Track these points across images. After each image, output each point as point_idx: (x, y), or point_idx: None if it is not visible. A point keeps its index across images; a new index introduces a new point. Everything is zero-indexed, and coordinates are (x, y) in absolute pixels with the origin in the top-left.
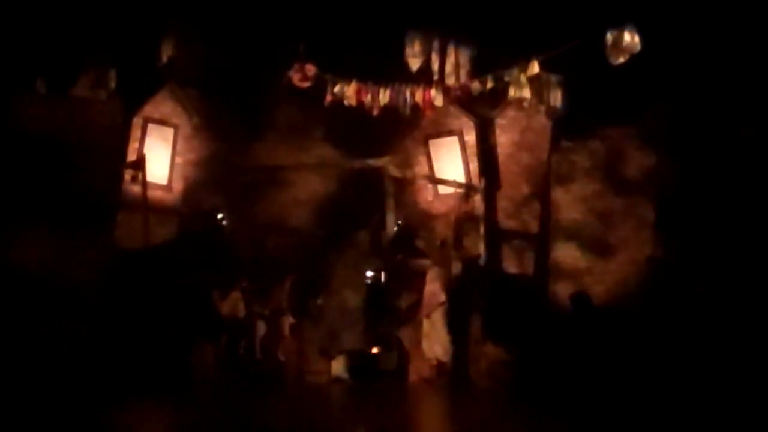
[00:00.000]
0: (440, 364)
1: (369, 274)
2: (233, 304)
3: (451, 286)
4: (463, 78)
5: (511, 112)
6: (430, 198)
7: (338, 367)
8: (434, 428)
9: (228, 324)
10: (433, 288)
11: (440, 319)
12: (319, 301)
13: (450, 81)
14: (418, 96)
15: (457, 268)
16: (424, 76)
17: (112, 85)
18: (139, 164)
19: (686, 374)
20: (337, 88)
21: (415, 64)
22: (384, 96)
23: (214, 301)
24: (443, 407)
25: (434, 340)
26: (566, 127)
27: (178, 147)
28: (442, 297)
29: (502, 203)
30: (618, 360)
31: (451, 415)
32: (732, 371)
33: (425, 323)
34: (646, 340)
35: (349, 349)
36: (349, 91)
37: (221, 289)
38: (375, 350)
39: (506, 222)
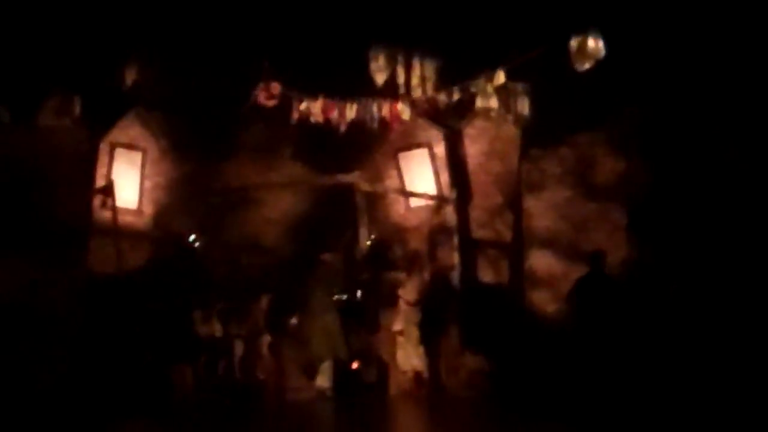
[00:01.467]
0: (418, 376)
1: (344, 289)
2: (210, 324)
3: (426, 298)
4: (430, 90)
5: (479, 123)
6: (402, 211)
7: (322, 381)
8: None
9: (206, 345)
10: (409, 301)
11: (415, 331)
12: (293, 321)
13: (416, 94)
14: (386, 110)
15: (423, 279)
16: (390, 90)
17: (77, 111)
18: (108, 190)
19: (666, 375)
20: (303, 106)
21: (380, 78)
22: (351, 111)
23: (194, 322)
24: (424, 418)
25: (410, 353)
26: (535, 135)
27: (147, 170)
28: (418, 310)
29: (475, 213)
30: (597, 364)
31: (432, 426)
32: (711, 369)
33: (400, 337)
34: (625, 343)
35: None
36: (315, 108)
37: (202, 310)
38: (355, 365)
39: (479, 232)
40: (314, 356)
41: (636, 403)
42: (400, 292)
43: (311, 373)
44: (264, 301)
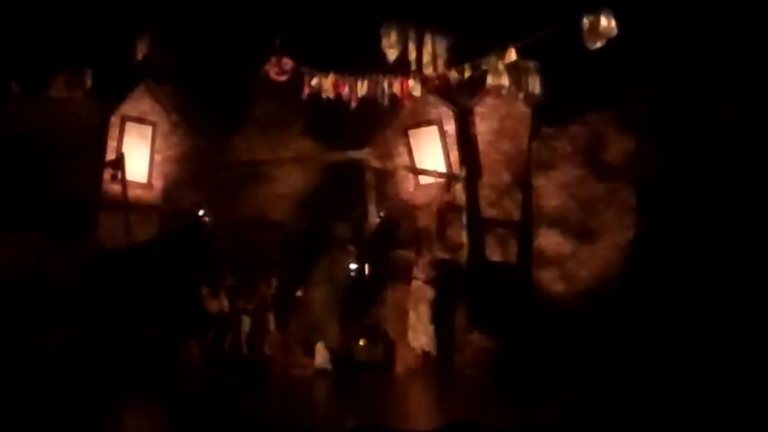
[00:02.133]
0: (426, 355)
1: (352, 266)
2: (219, 300)
3: (436, 277)
4: (441, 67)
5: (490, 101)
6: (411, 188)
7: (321, 359)
8: (421, 417)
9: (214, 320)
10: (419, 279)
11: (425, 309)
12: (299, 293)
13: (428, 71)
14: (396, 87)
15: (437, 258)
16: (401, 67)
17: (89, 84)
18: (118, 163)
19: (673, 355)
20: (314, 81)
21: (392, 54)
22: (362, 88)
23: (202, 298)
24: (430, 397)
25: (420, 331)
26: (546, 114)
27: (157, 144)
28: (428, 288)
29: (484, 192)
30: (604, 344)
31: (438, 404)
32: (718, 349)
33: (411, 314)
34: (632, 323)
35: (332, 341)
36: (326, 84)
37: (210, 286)
38: (361, 342)
39: (488, 210)
40: (310, 324)
41: (640, 381)
42: (415, 270)
43: (306, 347)
44: (274, 281)
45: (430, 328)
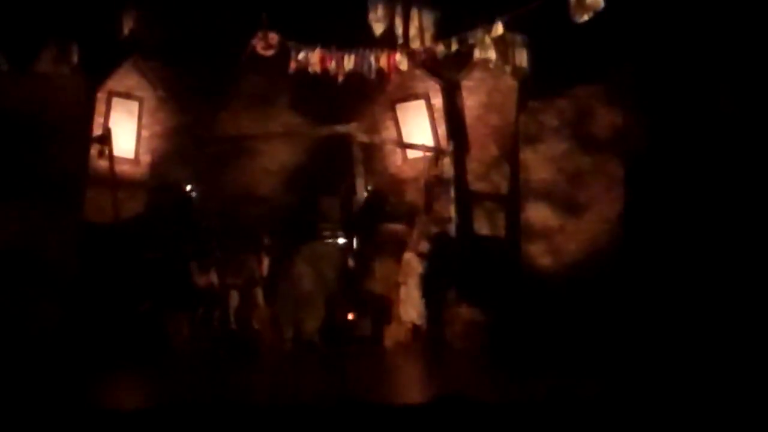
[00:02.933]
0: (415, 328)
1: (340, 241)
2: (207, 275)
3: (425, 250)
4: (428, 41)
5: (477, 74)
6: (399, 163)
7: (310, 333)
8: (410, 391)
9: (202, 295)
10: (408, 254)
11: (415, 283)
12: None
13: (415, 45)
14: (383, 61)
15: (429, 231)
16: (388, 41)
17: (75, 59)
18: (105, 139)
19: (662, 327)
20: (301, 56)
21: (379, 28)
22: (349, 62)
23: (191, 272)
24: (419, 370)
25: (409, 305)
26: (533, 88)
27: (144, 120)
28: (418, 262)
29: (472, 165)
30: (592, 317)
31: (427, 377)
32: (707, 321)
33: (401, 289)
34: (620, 296)
35: (320, 316)
36: (313, 58)
37: (198, 261)
38: (350, 316)
39: (476, 184)
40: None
41: (632, 355)
42: (410, 243)
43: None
44: (265, 258)
45: (420, 302)
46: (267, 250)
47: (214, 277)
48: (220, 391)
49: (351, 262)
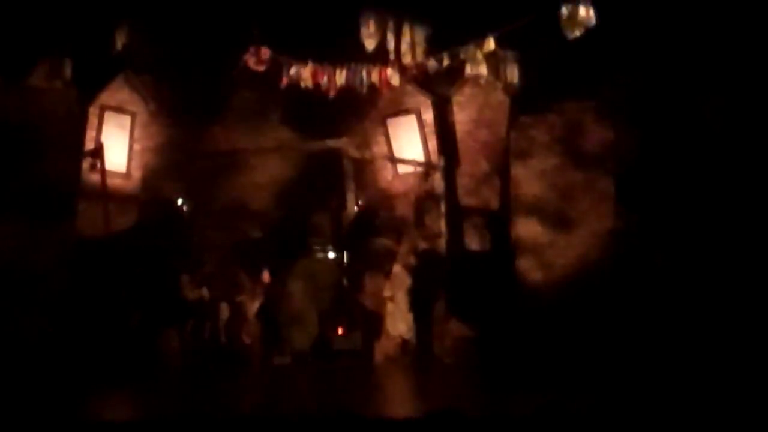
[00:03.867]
0: (405, 343)
1: (331, 255)
2: (198, 288)
3: (415, 265)
4: (420, 56)
5: (468, 90)
6: (389, 178)
7: (300, 348)
8: (401, 405)
9: (193, 309)
10: (397, 268)
11: (403, 297)
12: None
13: (406, 60)
14: (375, 76)
15: (419, 247)
16: (380, 56)
17: (68, 74)
18: (97, 152)
19: (653, 343)
20: (293, 71)
21: (370, 44)
22: (340, 77)
23: (182, 286)
24: (409, 385)
25: (398, 319)
26: (524, 103)
27: (136, 134)
28: (407, 276)
29: (462, 181)
30: (582, 332)
31: (417, 392)
32: (698, 337)
33: (389, 303)
34: (611, 311)
35: (310, 331)
36: (305, 73)
37: (189, 274)
38: (339, 331)
39: (467, 199)
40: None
41: (622, 371)
42: (399, 258)
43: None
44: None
45: (409, 317)
46: (259, 265)
47: (204, 291)
48: (208, 404)
49: (342, 278)
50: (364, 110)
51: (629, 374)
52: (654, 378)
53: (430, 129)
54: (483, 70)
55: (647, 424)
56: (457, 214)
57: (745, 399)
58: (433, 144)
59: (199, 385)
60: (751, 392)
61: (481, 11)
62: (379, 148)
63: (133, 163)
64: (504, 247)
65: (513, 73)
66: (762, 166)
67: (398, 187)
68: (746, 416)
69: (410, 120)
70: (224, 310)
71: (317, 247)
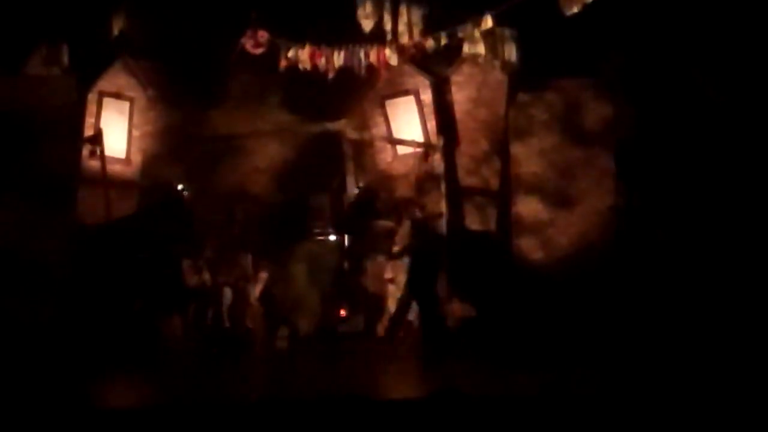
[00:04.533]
0: (407, 324)
1: (332, 238)
2: (200, 273)
3: (416, 246)
4: (417, 36)
5: (466, 69)
6: (389, 159)
7: (303, 331)
8: (405, 386)
9: (195, 294)
10: (398, 249)
11: (404, 279)
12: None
13: (404, 40)
14: (373, 56)
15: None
16: (377, 37)
17: (65, 60)
18: (97, 139)
19: (655, 321)
20: (291, 53)
21: (367, 24)
22: (338, 58)
23: (183, 271)
24: (412, 366)
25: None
26: (522, 81)
27: (135, 120)
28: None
29: (462, 160)
30: (584, 311)
31: (421, 373)
32: (699, 314)
33: (390, 285)
34: (612, 289)
35: (313, 313)
36: (303, 56)
37: (191, 259)
38: (342, 313)
39: (467, 179)
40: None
41: (625, 349)
42: (398, 239)
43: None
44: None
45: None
46: (259, 249)
47: (206, 276)
48: (213, 389)
49: (343, 261)
50: (362, 92)
51: (631, 352)
52: (656, 356)
53: (428, 109)
54: (481, 49)
55: (649, 403)
56: (457, 194)
57: (747, 379)
58: (432, 124)
59: (203, 371)
60: (752, 372)
61: None
62: (378, 130)
63: (133, 149)
64: (505, 226)
65: (511, 52)
66: (762, 140)
67: (398, 168)
68: (748, 397)
69: (409, 101)
70: (228, 295)
71: (318, 230)
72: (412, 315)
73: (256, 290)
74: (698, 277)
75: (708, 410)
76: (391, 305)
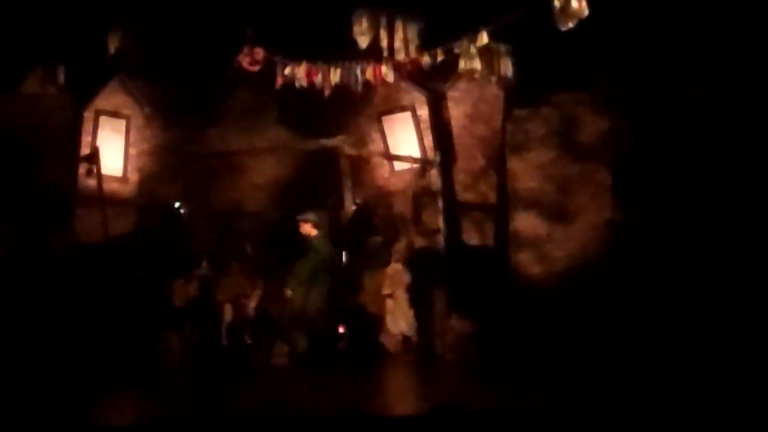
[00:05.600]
0: (405, 339)
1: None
2: (193, 291)
3: (414, 262)
4: (413, 52)
5: (462, 85)
6: (386, 175)
7: (302, 348)
8: (405, 402)
9: (189, 311)
10: (396, 265)
11: (403, 295)
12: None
13: (400, 56)
14: (369, 73)
15: (418, 243)
16: (374, 53)
17: (62, 79)
18: (93, 157)
19: (654, 335)
20: (287, 70)
21: (363, 41)
22: (335, 75)
23: (174, 289)
24: (412, 382)
25: (398, 316)
26: (519, 96)
27: (131, 138)
28: (405, 273)
29: (459, 176)
30: (583, 325)
31: (421, 389)
32: (698, 328)
33: (389, 300)
34: (610, 303)
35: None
36: (299, 73)
37: (181, 278)
38: (341, 329)
39: (464, 194)
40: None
41: (622, 363)
42: (397, 255)
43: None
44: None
45: (409, 313)
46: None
47: (196, 291)
48: (210, 409)
49: (341, 277)
50: (359, 108)
51: (629, 366)
52: (654, 370)
53: (425, 125)
54: (477, 64)
55: (648, 416)
56: (454, 210)
57: (744, 389)
58: (428, 140)
59: (199, 389)
60: (750, 382)
61: (473, 5)
62: (375, 146)
63: (130, 167)
64: (502, 241)
65: (507, 67)
66: (759, 154)
67: (395, 184)
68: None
69: (406, 117)
70: (228, 311)
71: (315, 247)
72: (411, 331)
73: (251, 307)
74: (696, 291)
75: (706, 425)
76: (390, 321)
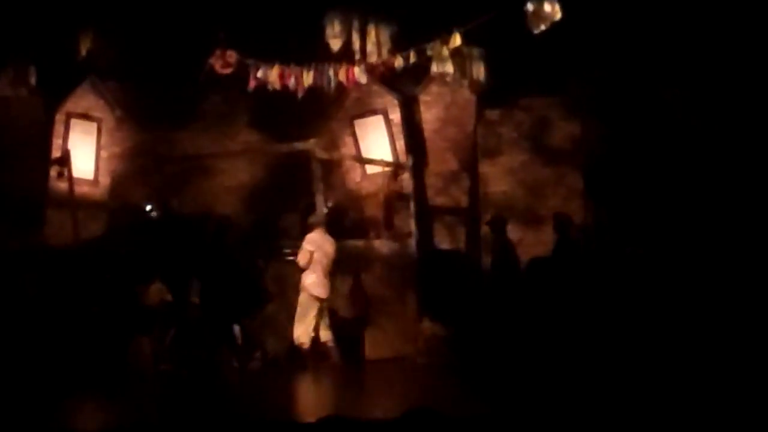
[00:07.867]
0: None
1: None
2: (160, 294)
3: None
4: (386, 55)
5: (434, 88)
6: (358, 178)
7: (275, 351)
8: (378, 406)
9: (159, 315)
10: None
11: (305, 300)
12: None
13: (372, 59)
14: (342, 75)
15: (389, 247)
16: (346, 56)
17: (33, 81)
18: (64, 160)
19: (625, 338)
20: (260, 73)
21: (336, 44)
22: (308, 77)
23: (149, 292)
24: (384, 386)
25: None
26: (491, 100)
27: (103, 140)
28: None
29: (431, 180)
30: (555, 327)
31: (393, 393)
32: (669, 330)
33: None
34: (582, 307)
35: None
36: (272, 75)
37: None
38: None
39: (436, 198)
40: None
41: (592, 364)
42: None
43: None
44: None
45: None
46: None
47: (166, 296)
48: (182, 412)
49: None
50: (331, 112)
51: (603, 369)
52: (629, 373)
53: (397, 128)
54: (449, 67)
55: (626, 420)
56: (426, 214)
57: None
58: (401, 143)
59: (171, 393)
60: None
61: (446, 8)
62: (348, 149)
63: (101, 170)
64: (474, 244)
65: (479, 70)
66: (729, 156)
67: (367, 187)
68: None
69: (378, 120)
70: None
71: (287, 250)
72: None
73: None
74: (669, 292)
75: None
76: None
